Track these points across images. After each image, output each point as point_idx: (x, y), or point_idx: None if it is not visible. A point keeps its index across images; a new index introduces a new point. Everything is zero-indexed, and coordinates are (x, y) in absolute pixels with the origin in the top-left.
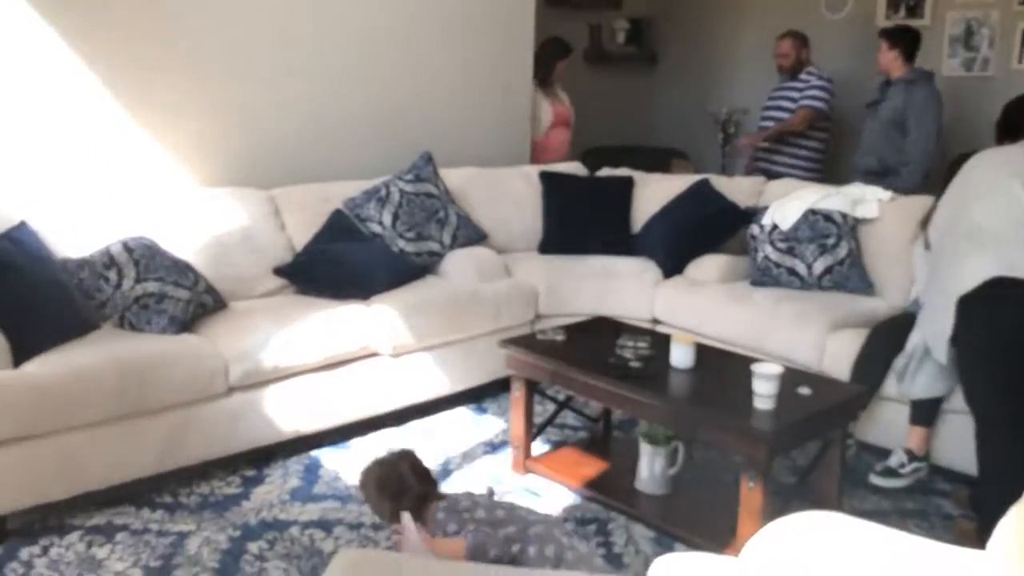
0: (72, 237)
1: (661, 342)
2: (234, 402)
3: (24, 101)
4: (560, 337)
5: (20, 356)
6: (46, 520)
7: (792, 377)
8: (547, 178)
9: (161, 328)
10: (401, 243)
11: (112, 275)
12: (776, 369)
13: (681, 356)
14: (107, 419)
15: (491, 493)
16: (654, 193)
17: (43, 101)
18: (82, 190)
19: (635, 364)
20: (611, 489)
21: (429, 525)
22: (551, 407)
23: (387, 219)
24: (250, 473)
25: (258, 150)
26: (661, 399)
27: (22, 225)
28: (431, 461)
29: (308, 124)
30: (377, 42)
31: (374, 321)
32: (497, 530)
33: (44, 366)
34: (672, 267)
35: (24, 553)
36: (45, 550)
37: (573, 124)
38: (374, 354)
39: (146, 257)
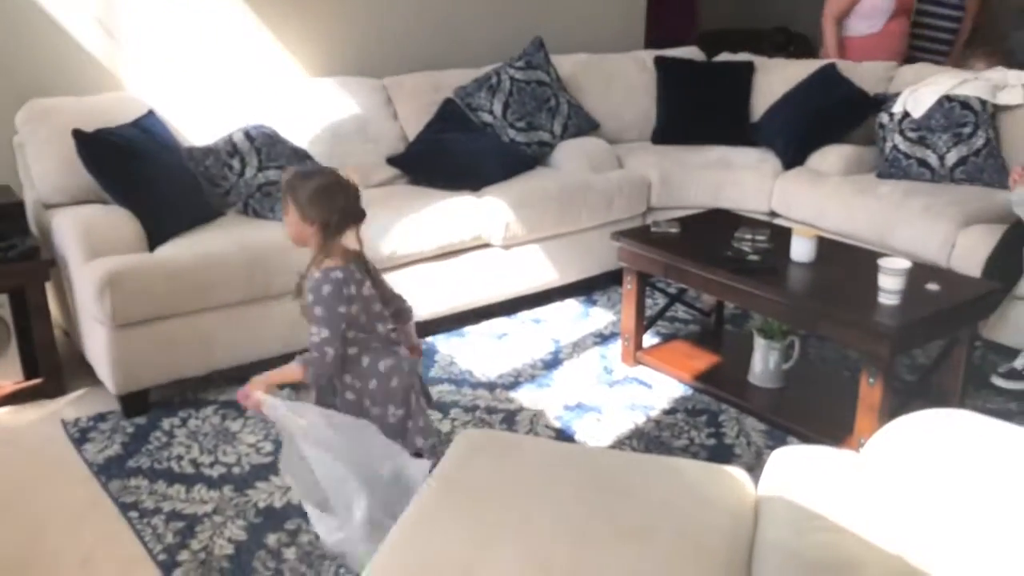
0: (196, 125)
1: (780, 235)
2: None
3: None
4: (674, 230)
5: (154, 241)
6: (184, 394)
7: (920, 273)
8: (663, 64)
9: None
10: (512, 133)
11: (235, 163)
12: (904, 264)
13: (802, 250)
14: (236, 302)
15: None
16: (776, 80)
17: None
18: (204, 79)
19: (753, 257)
20: (723, 382)
21: (322, 260)
22: (662, 300)
23: (498, 108)
24: None
25: (369, 37)
26: (780, 293)
27: (150, 114)
28: (542, 350)
29: (418, 9)
30: None
31: (485, 212)
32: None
33: (176, 251)
34: (793, 158)
35: (166, 423)
36: (184, 421)
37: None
38: (486, 245)
39: (267, 145)
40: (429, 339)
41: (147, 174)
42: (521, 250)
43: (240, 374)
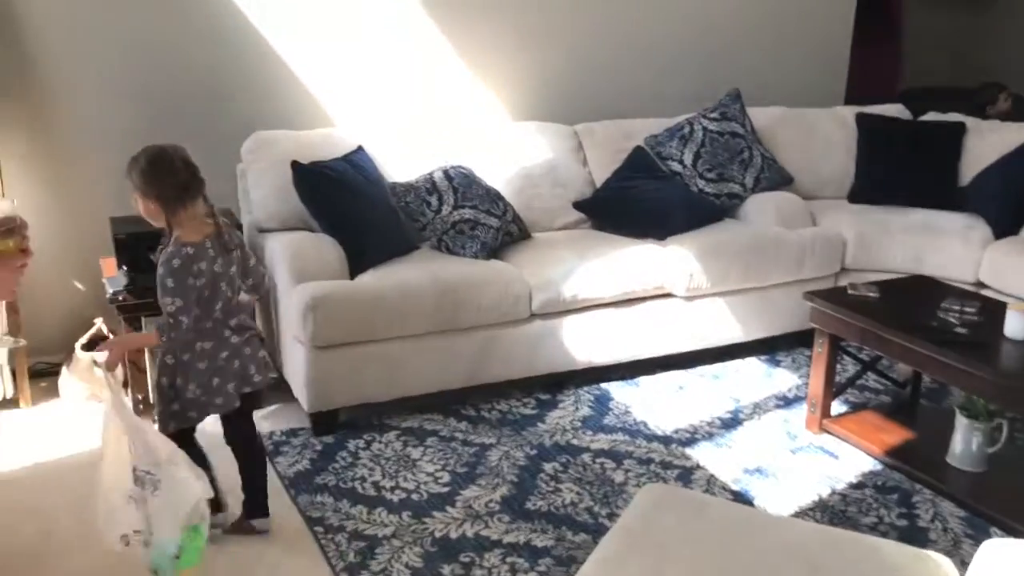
0: (400, 162)
1: (992, 309)
2: (534, 328)
3: (363, 38)
4: (873, 294)
5: (354, 269)
6: (369, 418)
7: None
8: (864, 121)
9: (473, 253)
10: (701, 183)
11: (434, 200)
12: None
13: (1018, 325)
14: (425, 333)
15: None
16: (990, 143)
17: (380, 37)
18: (410, 119)
19: (961, 330)
20: (917, 460)
21: (175, 234)
22: (852, 366)
23: (688, 158)
24: (545, 397)
25: (565, 85)
26: (990, 370)
27: (359, 150)
28: (721, 408)
29: (613, 59)
30: None
31: (669, 261)
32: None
33: (374, 279)
34: (1006, 226)
35: (351, 444)
36: (368, 444)
37: None
38: (668, 295)
39: (463, 185)
40: (603, 385)
41: (353, 205)
42: (704, 303)
43: (425, 402)
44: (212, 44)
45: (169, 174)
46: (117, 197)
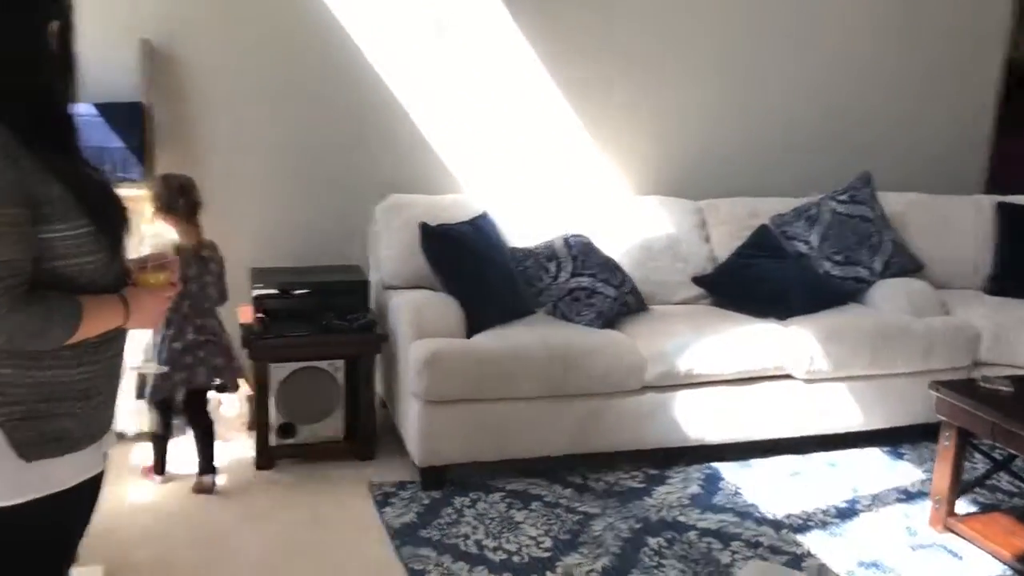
0: (522, 229)
1: None
2: (646, 400)
3: (495, 109)
4: (1007, 388)
5: (471, 328)
6: (476, 477)
7: None
8: (1005, 211)
9: (588, 321)
10: (827, 265)
11: (552, 267)
12: None
13: None
14: (535, 396)
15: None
16: None
17: (511, 109)
18: (535, 188)
19: None
20: None
21: (181, 239)
22: (982, 464)
23: (814, 239)
24: (653, 471)
25: (691, 161)
26: None
27: (484, 215)
28: (837, 497)
29: (741, 137)
30: (818, 56)
31: (790, 343)
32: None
33: (489, 340)
34: None
35: (457, 501)
36: (473, 503)
37: None
38: (787, 376)
39: (582, 254)
40: (714, 464)
41: (475, 268)
42: (824, 387)
43: (531, 466)
44: (353, 111)
45: (165, 193)
46: (257, 247)
